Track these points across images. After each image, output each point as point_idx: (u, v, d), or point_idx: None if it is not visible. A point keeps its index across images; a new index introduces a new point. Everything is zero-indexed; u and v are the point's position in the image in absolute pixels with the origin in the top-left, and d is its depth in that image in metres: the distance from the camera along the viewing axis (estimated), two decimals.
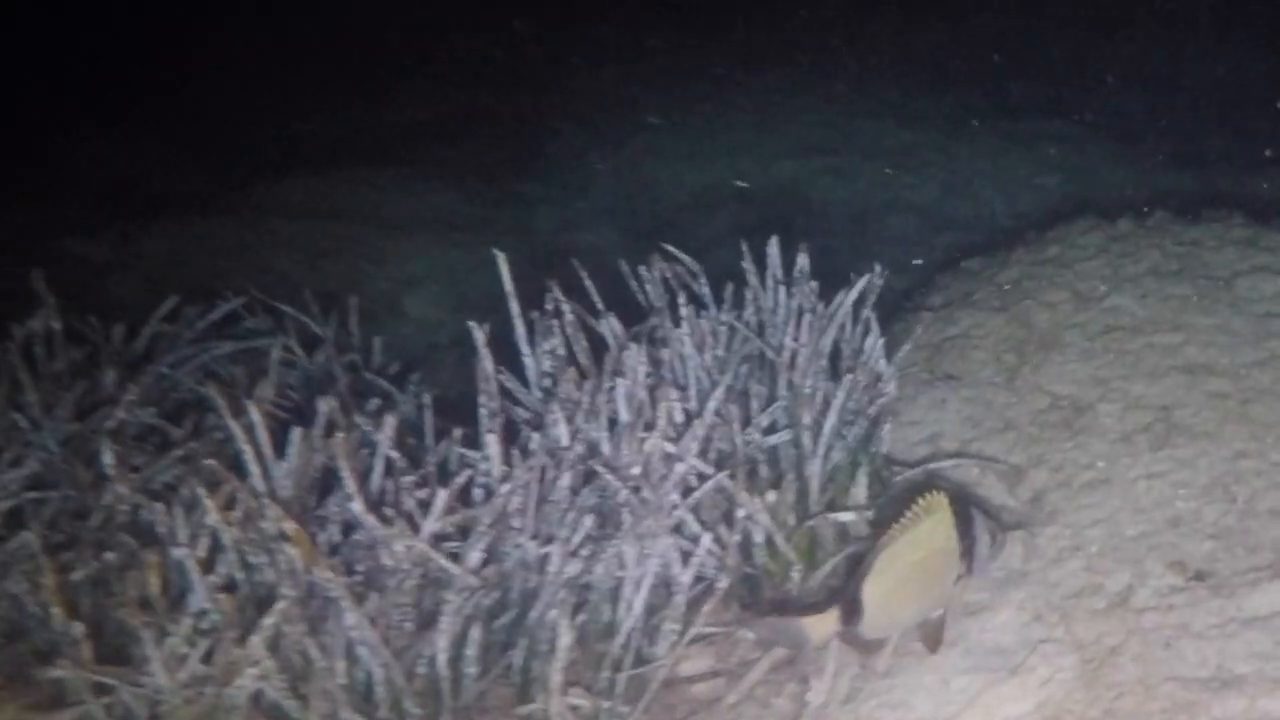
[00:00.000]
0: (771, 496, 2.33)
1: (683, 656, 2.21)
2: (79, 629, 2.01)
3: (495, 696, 2.14)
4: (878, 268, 2.63)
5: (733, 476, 2.30)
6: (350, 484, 2.06)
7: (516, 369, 2.50)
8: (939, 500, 1.91)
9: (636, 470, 2.23)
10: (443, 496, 2.10)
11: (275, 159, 5.07)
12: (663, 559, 2.16)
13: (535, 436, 2.28)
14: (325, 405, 2.26)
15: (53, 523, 2.32)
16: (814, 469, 2.40)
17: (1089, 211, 3.23)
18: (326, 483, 2.20)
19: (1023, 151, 5.13)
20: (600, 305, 2.57)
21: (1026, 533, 2.27)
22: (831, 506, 2.41)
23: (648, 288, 2.66)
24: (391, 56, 6.28)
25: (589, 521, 2.18)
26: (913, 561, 1.92)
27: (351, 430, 2.28)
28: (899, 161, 5.05)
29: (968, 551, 1.98)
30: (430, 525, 2.09)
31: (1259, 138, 4.85)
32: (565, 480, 2.22)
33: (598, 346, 2.51)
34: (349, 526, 2.15)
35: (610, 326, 2.52)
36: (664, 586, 2.18)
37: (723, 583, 2.18)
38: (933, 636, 2.03)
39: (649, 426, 2.28)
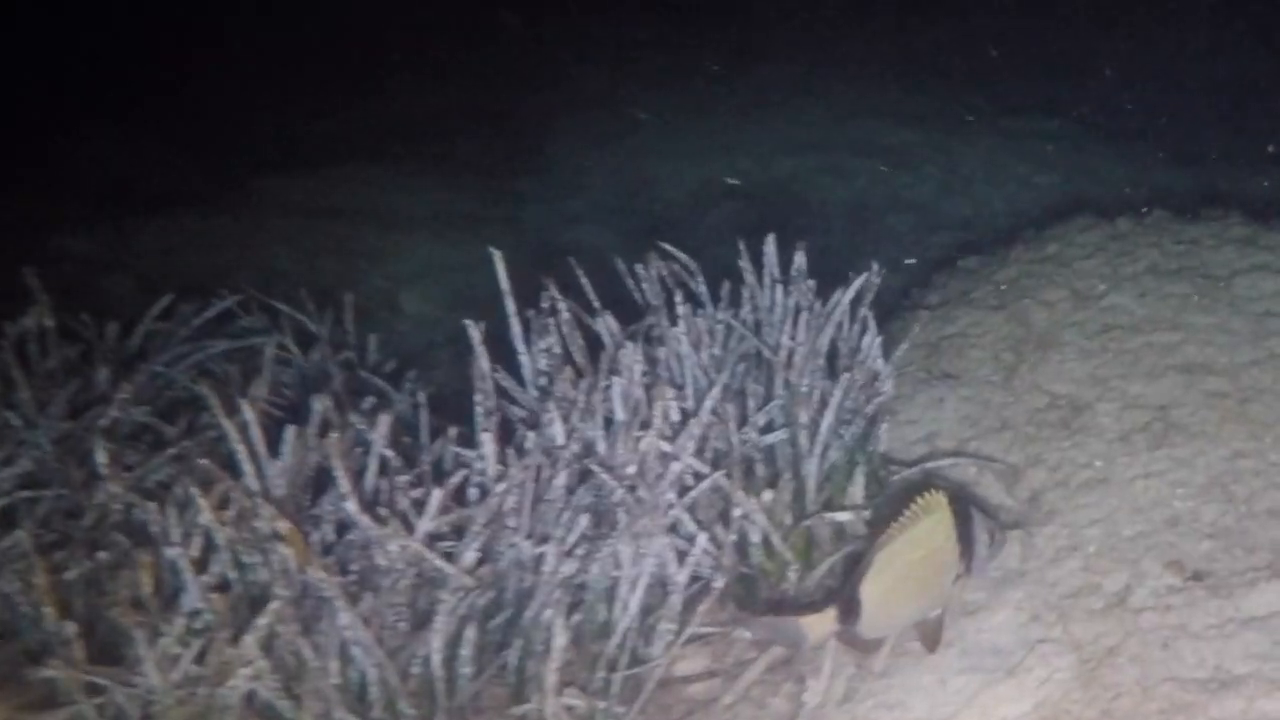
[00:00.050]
0: (768, 496, 2.32)
1: (678, 656, 2.21)
2: (71, 629, 2.00)
3: (490, 697, 2.14)
4: (875, 266, 2.62)
5: (729, 476, 2.29)
6: (344, 483, 2.05)
7: (513, 367, 2.49)
8: (938, 499, 1.90)
9: (632, 469, 2.23)
10: (437, 496, 2.09)
11: (272, 156, 5.07)
12: (658, 558, 2.15)
13: (531, 435, 2.27)
14: (319, 404, 2.25)
15: (45, 521, 2.31)
16: (811, 468, 2.39)
17: (1087, 210, 3.22)
18: (321, 481, 2.19)
19: (1021, 150, 5.12)
20: (597, 303, 2.56)
21: (1024, 532, 2.26)
22: (828, 506, 2.40)
23: (644, 286, 2.65)
24: (388, 54, 6.27)
25: (584, 521, 2.18)
26: (911, 561, 1.91)
27: (346, 429, 2.27)
28: (897, 160, 5.04)
29: (966, 551, 1.97)
30: (425, 525, 2.08)
31: (1258, 136, 4.85)
32: (561, 479, 2.21)
33: (594, 345, 2.50)
34: (343, 526, 2.14)
35: (606, 325, 2.51)
36: (660, 586, 2.17)
37: (718, 582, 2.17)
38: (931, 636, 2.02)
39: (645, 425, 2.27)
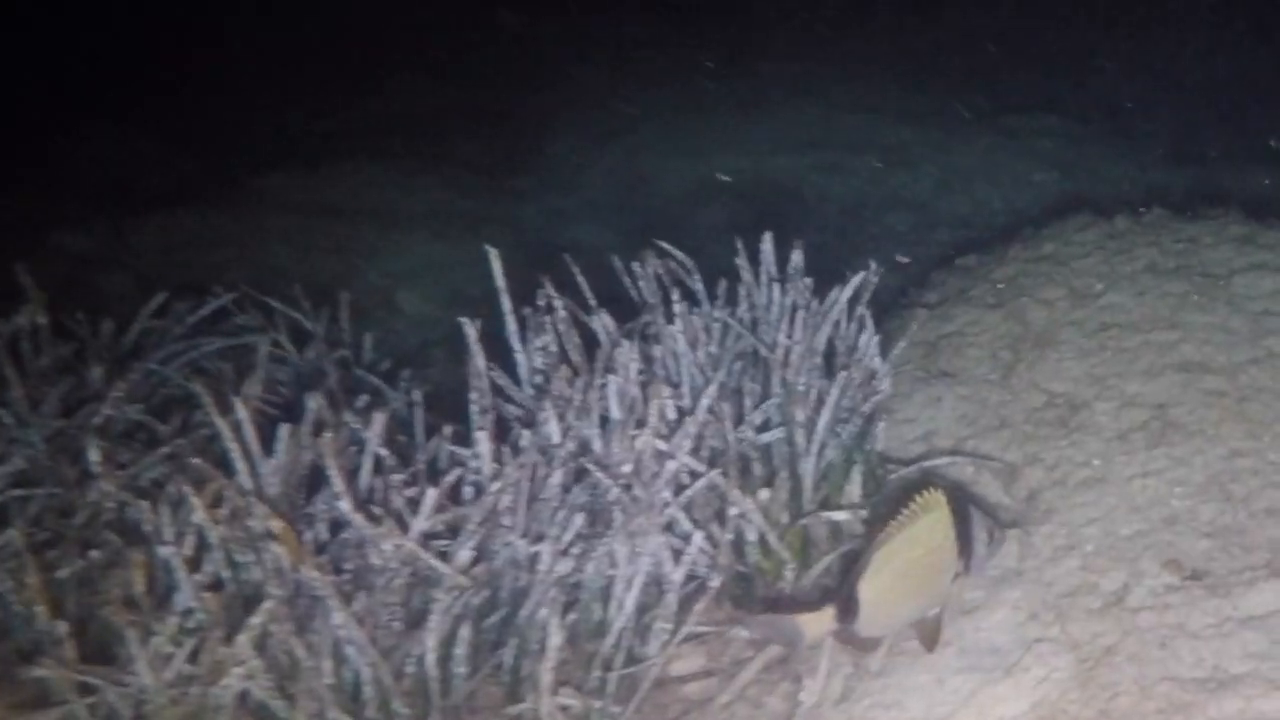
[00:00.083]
0: (764, 494, 2.31)
1: (674, 656, 2.20)
2: (63, 628, 1.99)
3: (485, 696, 2.13)
4: (873, 264, 2.61)
5: (725, 474, 2.28)
6: (338, 482, 2.04)
7: (509, 366, 2.48)
8: (937, 497, 1.89)
9: (628, 468, 2.22)
10: (432, 495, 2.08)
11: (271, 155, 5.06)
12: (654, 557, 2.14)
13: (526, 434, 2.26)
14: (313, 402, 2.24)
15: (37, 520, 2.30)
16: (807, 467, 2.38)
17: (1085, 208, 3.21)
18: (315, 480, 2.18)
19: (1019, 148, 5.12)
20: (593, 301, 2.55)
21: (1022, 531, 2.25)
22: (825, 505, 2.39)
23: (641, 284, 2.64)
24: (388, 53, 6.26)
25: (580, 519, 2.17)
26: (910, 559, 1.90)
27: (340, 427, 2.26)
28: (894, 157, 5.04)
29: (965, 549, 1.96)
30: (419, 524, 2.07)
31: (1257, 134, 4.84)
32: (556, 478, 2.21)
33: (590, 343, 2.49)
34: (337, 524, 2.13)
35: (602, 323, 2.50)
36: (655, 585, 2.16)
37: (715, 581, 2.16)
38: (930, 635, 2.01)
39: (641, 424, 2.26)
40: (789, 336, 2.52)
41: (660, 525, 2.17)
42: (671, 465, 2.23)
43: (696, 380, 2.49)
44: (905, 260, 2.62)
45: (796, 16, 6.73)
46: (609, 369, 2.35)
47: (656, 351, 2.51)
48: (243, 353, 2.91)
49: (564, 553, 2.14)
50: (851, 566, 1.94)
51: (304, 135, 5.46)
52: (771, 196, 4.76)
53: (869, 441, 2.50)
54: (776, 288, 2.62)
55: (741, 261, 2.65)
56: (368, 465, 2.20)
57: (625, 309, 2.62)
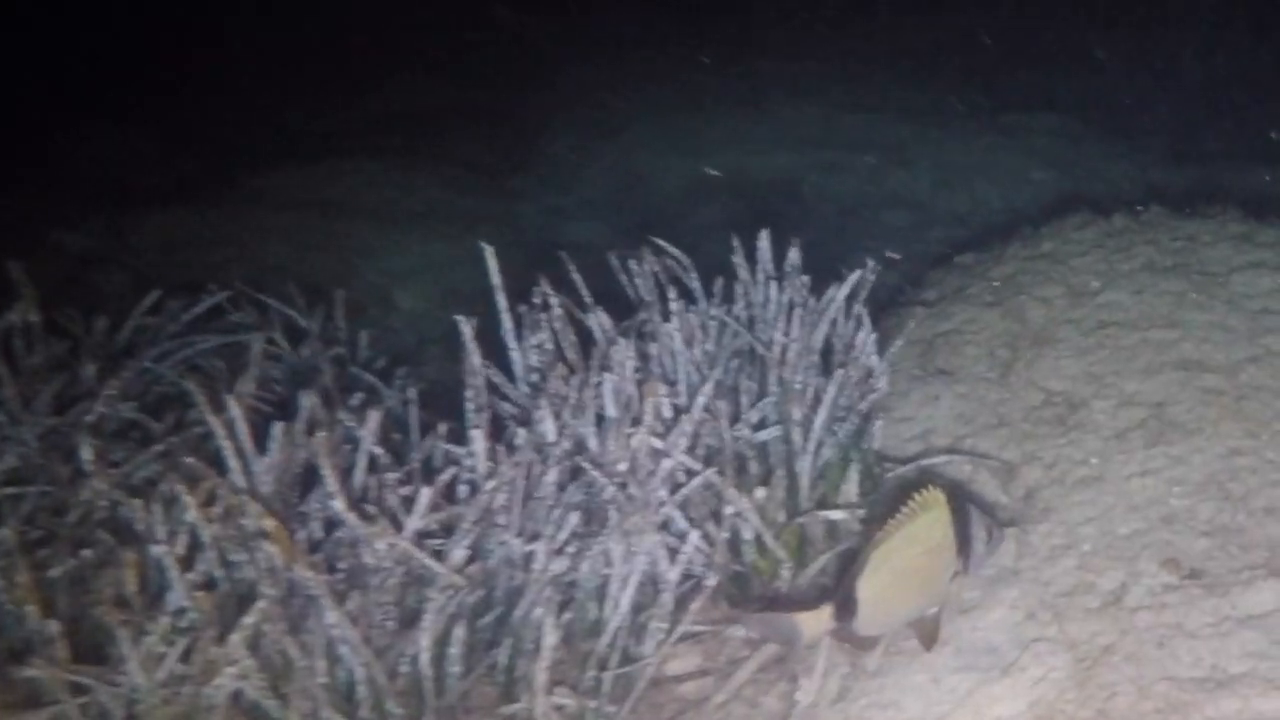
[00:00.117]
0: (761, 493, 2.30)
1: (670, 655, 2.19)
2: (55, 627, 1.97)
3: (479, 696, 2.12)
4: (870, 262, 2.60)
5: (721, 473, 2.27)
6: (331, 481, 2.03)
7: (505, 363, 2.47)
8: (936, 496, 1.88)
9: (624, 466, 2.20)
10: (426, 493, 2.07)
11: (267, 151, 5.05)
12: (650, 556, 2.13)
13: (522, 432, 2.24)
14: (307, 400, 2.23)
15: (30, 518, 2.29)
16: (804, 465, 2.37)
17: (1084, 206, 3.20)
18: (309, 478, 2.17)
19: (1017, 146, 5.11)
20: (589, 299, 2.54)
21: (1019, 530, 2.24)
22: (822, 504, 2.38)
23: (637, 281, 2.63)
24: (386, 51, 6.25)
25: (575, 518, 2.16)
26: (909, 558, 1.88)
27: (334, 425, 2.25)
28: (893, 155, 5.03)
29: (964, 548, 1.94)
30: (414, 523, 2.06)
31: (1256, 133, 4.84)
32: (552, 476, 2.19)
33: (587, 341, 2.48)
34: (331, 523, 2.11)
35: (598, 320, 2.49)
36: (651, 584, 2.15)
37: (711, 580, 2.15)
38: (929, 634, 2.00)
39: (637, 422, 2.25)
40: (786, 334, 2.51)
41: (656, 524, 2.15)
42: (667, 464, 2.22)
43: (693, 378, 2.48)
44: (896, 257, 2.60)
45: (796, 15, 6.73)
46: (605, 367, 2.34)
47: (653, 349, 2.49)
48: (238, 351, 2.90)
49: (559, 551, 2.12)
50: (849, 565, 1.92)
51: (303, 134, 5.45)
52: (770, 195, 4.75)
53: (866, 440, 2.48)
54: (773, 285, 2.61)
55: (738, 259, 2.64)
56: (362, 463, 2.19)
57: (623, 307, 2.61)
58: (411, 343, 3.67)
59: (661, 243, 2.70)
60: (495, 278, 2.42)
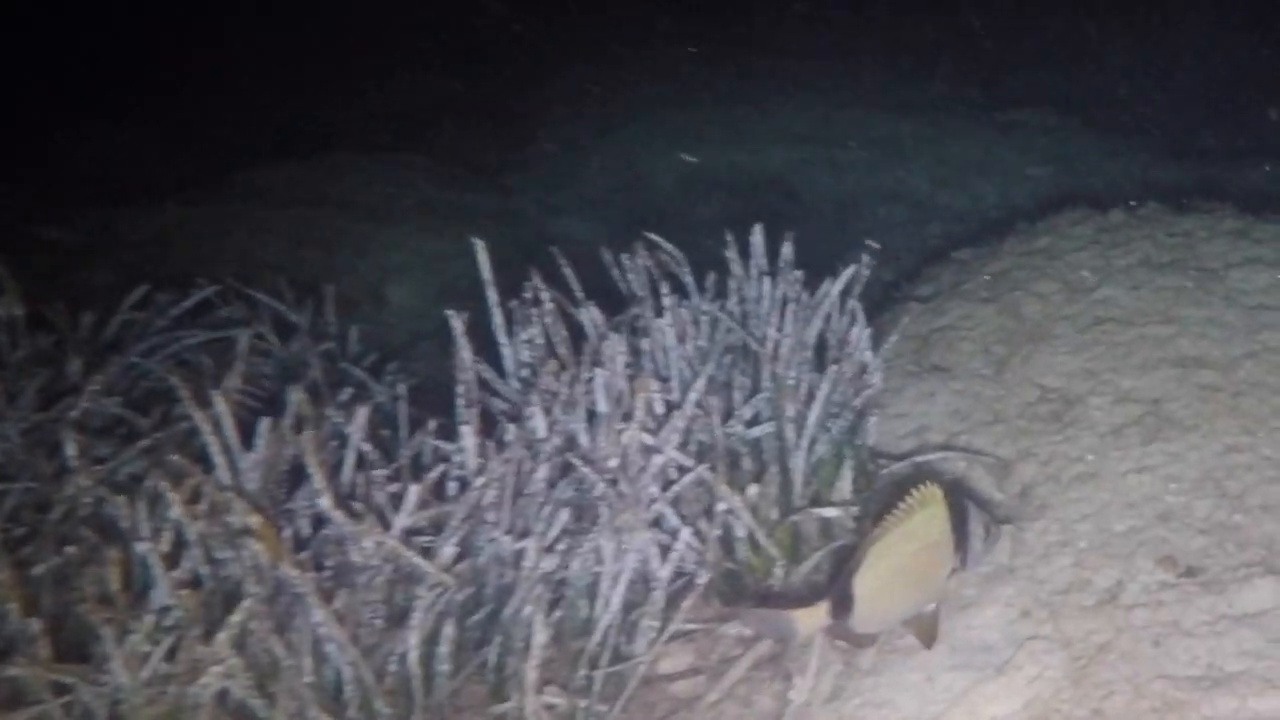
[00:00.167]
0: (754, 490, 2.28)
1: (662, 654, 2.16)
2: (37, 625, 1.95)
3: (468, 695, 2.10)
4: (865, 258, 2.58)
5: (714, 469, 2.25)
6: (318, 478, 2.00)
7: (497, 359, 2.45)
8: (933, 492, 1.86)
9: (614, 463, 2.18)
10: (415, 491, 2.04)
11: (262, 148, 5.04)
12: (641, 554, 2.11)
13: (512, 428, 2.22)
14: (295, 395, 2.21)
15: (13, 515, 2.26)
16: (797, 462, 2.35)
17: (1080, 202, 3.19)
18: (297, 475, 2.15)
19: (1014, 142, 5.10)
20: (581, 294, 2.52)
21: (1015, 527, 2.22)
22: (815, 501, 2.36)
23: (630, 276, 2.61)
24: (382, 48, 6.24)
25: (566, 515, 2.13)
26: (905, 554, 1.87)
27: (321, 421, 2.22)
28: (889, 151, 5.02)
29: (961, 545, 1.93)
30: (402, 520, 2.03)
31: (1253, 129, 4.82)
32: (542, 473, 2.17)
33: (579, 336, 2.46)
34: (318, 520, 2.09)
35: (590, 316, 2.47)
36: (642, 582, 2.13)
37: (703, 578, 2.13)
38: (927, 632, 1.98)
39: (628, 418, 2.23)
40: (779, 330, 2.49)
41: (647, 521, 2.13)
42: (659, 460, 2.20)
43: (685, 374, 2.46)
44: (875, 246, 2.58)
45: (795, 11, 6.71)
46: (596, 362, 2.32)
47: (645, 345, 2.47)
48: (226, 346, 2.87)
49: (549, 549, 2.10)
50: (845, 561, 1.90)
51: (298, 130, 5.43)
52: (767, 191, 4.74)
53: (860, 436, 2.46)
54: (767, 280, 2.59)
55: (731, 254, 2.62)
56: (350, 460, 2.16)
57: (616, 302, 2.59)
58: (404, 338, 3.65)
59: (655, 238, 2.67)
60: (486, 273, 2.40)
